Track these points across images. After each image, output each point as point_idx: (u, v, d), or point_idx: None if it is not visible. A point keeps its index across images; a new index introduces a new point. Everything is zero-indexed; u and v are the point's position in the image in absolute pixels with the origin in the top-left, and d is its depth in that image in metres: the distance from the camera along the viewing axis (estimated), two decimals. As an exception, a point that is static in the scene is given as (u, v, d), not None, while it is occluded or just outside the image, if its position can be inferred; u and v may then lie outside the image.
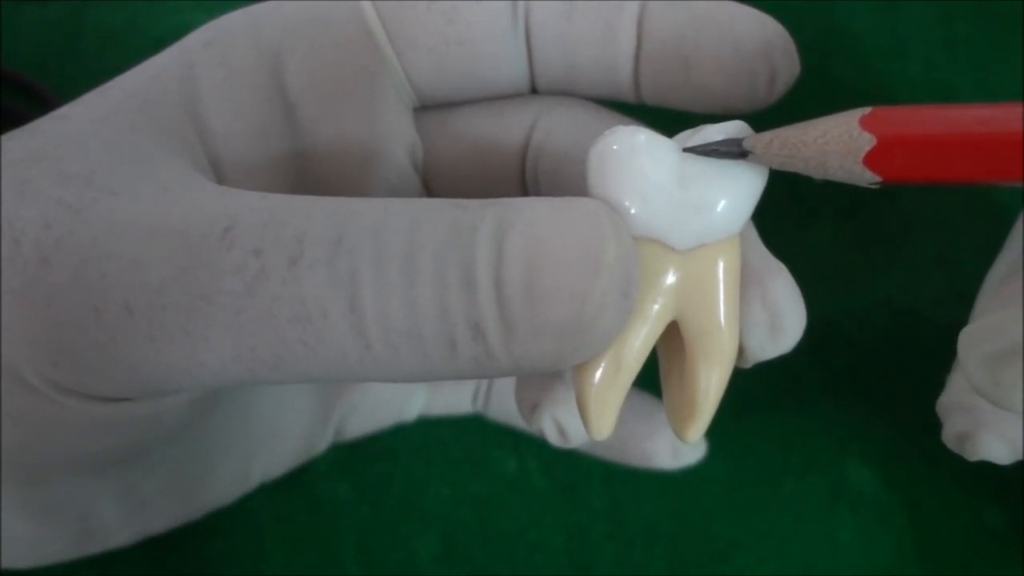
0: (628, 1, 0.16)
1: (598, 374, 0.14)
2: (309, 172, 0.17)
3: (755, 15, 0.16)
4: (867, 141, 0.13)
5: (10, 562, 0.17)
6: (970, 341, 0.14)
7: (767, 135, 0.14)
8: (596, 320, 0.12)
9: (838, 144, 0.13)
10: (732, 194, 0.14)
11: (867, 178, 0.13)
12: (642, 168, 0.13)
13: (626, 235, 0.13)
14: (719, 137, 0.14)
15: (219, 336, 0.13)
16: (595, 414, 0.14)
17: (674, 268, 0.14)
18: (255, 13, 0.16)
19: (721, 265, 0.14)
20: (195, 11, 0.27)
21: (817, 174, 0.13)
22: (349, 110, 0.16)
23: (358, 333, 0.13)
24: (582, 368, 0.14)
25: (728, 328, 0.14)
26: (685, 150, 0.14)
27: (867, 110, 0.13)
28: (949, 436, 0.17)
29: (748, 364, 0.15)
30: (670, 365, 0.15)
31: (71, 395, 0.14)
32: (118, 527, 0.18)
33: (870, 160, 0.13)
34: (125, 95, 0.15)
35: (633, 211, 0.13)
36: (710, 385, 0.14)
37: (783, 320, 0.14)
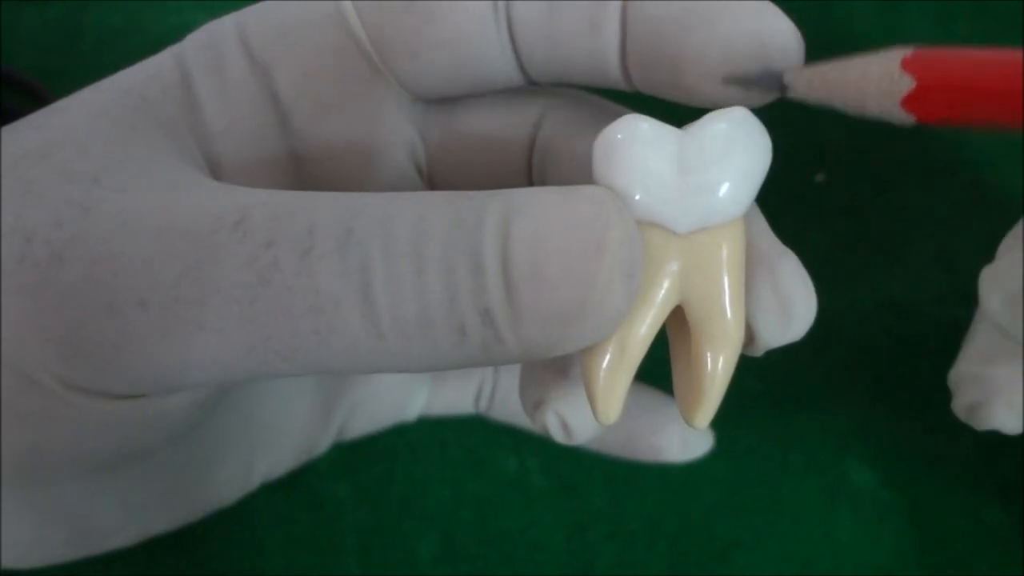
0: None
1: (605, 359, 0.14)
2: (308, 175, 0.17)
3: (749, 8, 0.14)
4: (907, 84, 0.13)
5: (10, 562, 0.17)
6: (992, 280, 0.15)
7: (807, 71, 0.14)
8: (602, 302, 0.13)
9: (878, 85, 0.13)
10: (734, 178, 0.14)
11: (903, 119, 0.13)
12: (645, 156, 0.14)
13: (630, 219, 0.13)
14: (722, 124, 0.14)
15: (233, 328, 0.13)
16: (603, 399, 0.14)
17: (678, 253, 0.14)
18: (244, 19, 0.16)
19: (725, 249, 0.14)
20: (195, 11, 0.27)
21: (854, 113, 0.14)
22: (341, 114, 0.16)
23: (370, 322, 0.13)
24: (589, 353, 0.14)
25: (733, 312, 0.14)
26: (725, 80, 0.14)
27: (909, 51, 0.13)
28: (960, 406, 0.17)
29: (759, 352, 0.15)
30: (678, 351, 0.15)
31: (80, 393, 0.14)
32: (119, 528, 0.18)
33: (908, 103, 0.13)
34: (123, 92, 0.15)
35: (637, 197, 0.14)
36: (716, 369, 0.14)
37: (793, 306, 0.15)
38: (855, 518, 0.22)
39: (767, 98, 0.16)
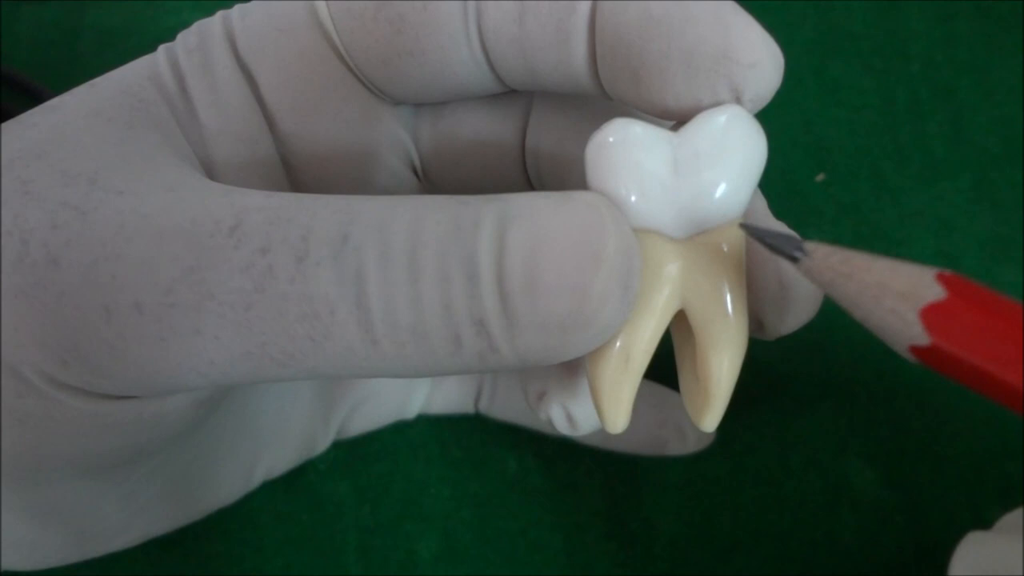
0: (580, 1, 0.14)
1: (611, 367, 0.14)
2: (300, 178, 0.17)
3: (714, 16, 0.13)
4: (937, 293, 0.12)
5: (10, 564, 0.17)
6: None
7: (829, 248, 0.12)
8: (597, 313, 0.13)
9: (904, 283, 0.12)
10: (731, 178, 0.13)
11: (913, 334, 0.12)
12: (639, 159, 0.13)
13: (626, 228, 0.13)
14: (716, 122, 0.13)
15: (229, 334, 0.13)
16: (610, 407, 0.14)
17: (677, 258, 0.14)
18: (229, 20, 0.16)
19: (724, 251, 0.14)
20: (193, 11, 0.27)
21: (860, 309, 0.12)
22: (325, 118, 0.16)
23: (364, 330, 0.13)
24: (595, 361, 0.14)
25: (736, 313, 0.14)
26: (741, 226, 0.13)
27: (947, 271, 0.12)
28: None
29: (771, 338, 0.15)
30: (684, 354, 0.15)
31: (77, 394, 0.14)
32: (121, 529, 0.18)
33: (929, 313, 0.12)
34: (118, 91, 0.15)
35: (633, 201, 0.13)
36: (722, 372, 0.14)
37: (798, 292, 0.14)
38: (856, 518, 0.22)
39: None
